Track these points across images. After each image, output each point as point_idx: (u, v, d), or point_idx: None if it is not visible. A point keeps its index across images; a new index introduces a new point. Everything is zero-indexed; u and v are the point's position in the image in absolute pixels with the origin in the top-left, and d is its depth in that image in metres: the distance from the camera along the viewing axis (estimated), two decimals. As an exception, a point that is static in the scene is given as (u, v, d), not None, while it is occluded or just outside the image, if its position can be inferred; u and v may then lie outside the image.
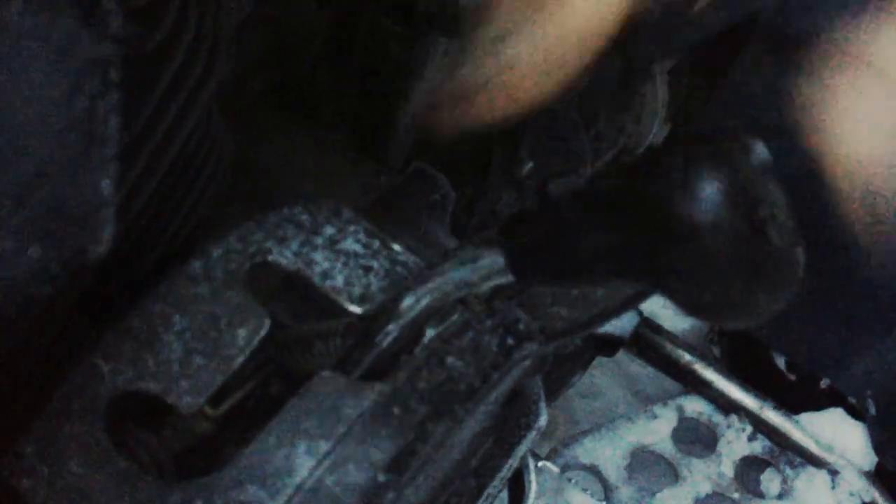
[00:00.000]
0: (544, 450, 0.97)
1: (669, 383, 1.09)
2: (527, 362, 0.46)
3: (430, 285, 0.39)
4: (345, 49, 0.68)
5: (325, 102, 0.69)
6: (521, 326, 0.44)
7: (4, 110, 0.22)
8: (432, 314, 0.40)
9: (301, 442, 0.36)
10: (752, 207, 0.30)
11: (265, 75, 0.65)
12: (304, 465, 0.36)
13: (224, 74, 0.43)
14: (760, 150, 0.31)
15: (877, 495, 0.95)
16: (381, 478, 0.36)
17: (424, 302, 0.39)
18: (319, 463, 0.36)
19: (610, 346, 1.04)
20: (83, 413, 0.36)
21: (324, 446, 0.36)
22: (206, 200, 0.45)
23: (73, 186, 0.22)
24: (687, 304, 0.33)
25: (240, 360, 0.37)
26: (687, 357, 1.02)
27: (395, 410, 0.37)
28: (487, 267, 0.37)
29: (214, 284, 0.39)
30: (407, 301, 0.39)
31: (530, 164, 0.75)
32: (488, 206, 0.76)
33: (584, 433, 1.00)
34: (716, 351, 1.23)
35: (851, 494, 0.95)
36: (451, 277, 0.38)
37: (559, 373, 0.95)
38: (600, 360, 1.25)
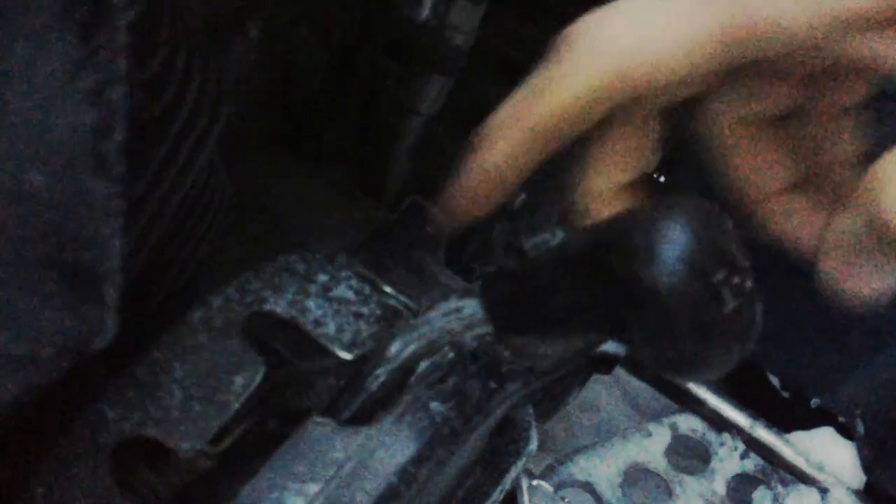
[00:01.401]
0: (540, 466, 0.99)
1: (668, 399, 1.11)
2: (511, 401, 0.49)
3: (416, 333, 0.41)
4: (343, 86, 0.71)
5: (324, 139, 0.71)
6: (503, 369, 0.46)
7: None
8: (418, 359, 0.43)
9: (292, 484, 0.39)
10: (708, 271, 0.32)
11: (265, 114, 0.67)
12: (294, 506, 0.38)
13: (227, 121, 0.46)
14: (719, 214, 0.34)
15: (865, 513, 0.97)
16: (367, 520, 0.38)
17: (411, 349, 0.42)
18: (309, 504, 0.38)
19: (606, 363, 1.06)
20: (89, 457, 0.39)
21: (313, 488, 0.38)
22: (205, 244, 0.47)
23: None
24: (650, 362, 0.35)
25: (236, 405, 0.40)
26: (681, 375, 1.05)
27: (380, 454, 0.39)
28: (469, 317, 0.40)
29: (213, 333, 0.42)
30: (394, 347, 0.42)
31: (523, 196, 0.77)
32: (481, 237, 0.78)
33: (580, 451, 1.02)
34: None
35: (840, 512, 0.97)
36: (436, 326, 0.41)
37: (556, 391, 0.97)
38: (597, 375, 1.27)
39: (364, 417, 0.42)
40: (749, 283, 0.32)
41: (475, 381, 0.44)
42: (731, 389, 1.06)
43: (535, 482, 0.95)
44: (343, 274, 0.47)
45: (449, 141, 0.77)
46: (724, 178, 0.37)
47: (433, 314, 0.41)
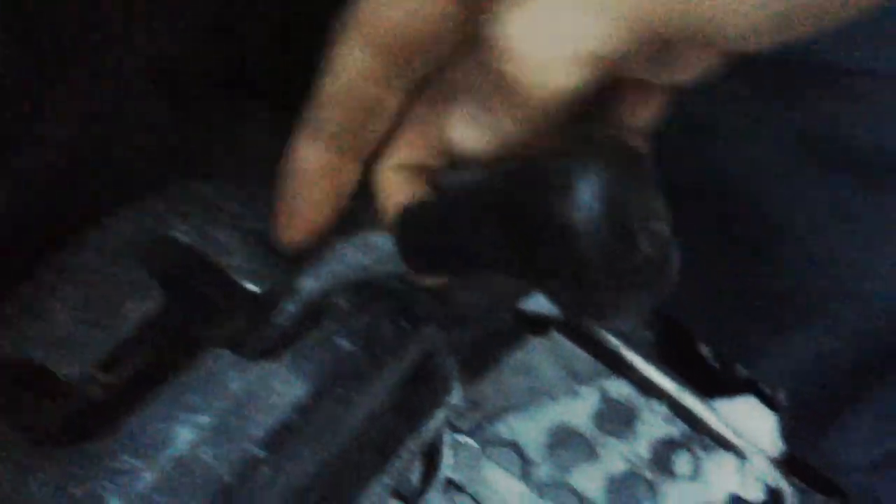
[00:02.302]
0: (468, 424, 0.99)
1: (601, 364, 1.12)
2: (427, 345, 0.48)
3: (327, 267, 0.40)
4: (296, 26, 0.68)
5: (273, 84, 0.69)
6: (417, 310, 0.45)
7: None
8: (330, 294, 0.41)
9: (183, 415, 0.37)
10: (625, 214, 0.31)
11: (210, 54, 0.65)
12: (183, 437, 0.36)
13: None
14: (640, 157, 0.32)
15: (782, 481, 0.99)
16: (259, 452, 0.37)
17: (320, 283, 0.40)
18: (199, 436, 0.36)
19: (540, 325, 1.06)
20: (-37, 378, 0.36)
21: (204, 420, 0.37)
22: (134, 176, 0.45)
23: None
24: (562, 305, 0.34)
25: (125, 331, 0.38)
26: (612, 339, 1.05)
27: (276, 387, 0.38)
28: (381, 252, 0.38)
29: (108, 256, 0.39)
30: (304, 281, 0.40)
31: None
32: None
33: (507, 410, 1.03)
34: (650, 336, 1.27)
35: (758, 479, 0.99)
36: (346, 260, 0.39)
37: (488, 350, 0.97)
38: (536, 339, 1.28)
39: (269, 353, 0.40)
40: (666, 232, 0.32)
41: (387, 321, 0.43)
42: (662, 356, 1.07)
43: (461, 439, 0.95)
44: (256, 205, 0.45)
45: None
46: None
47: (344, 247, 0.39)
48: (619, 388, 1.05)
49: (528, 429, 1.02)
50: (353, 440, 0.49)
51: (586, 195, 0.30)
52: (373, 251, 0.39)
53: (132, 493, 0.35)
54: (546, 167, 0.32)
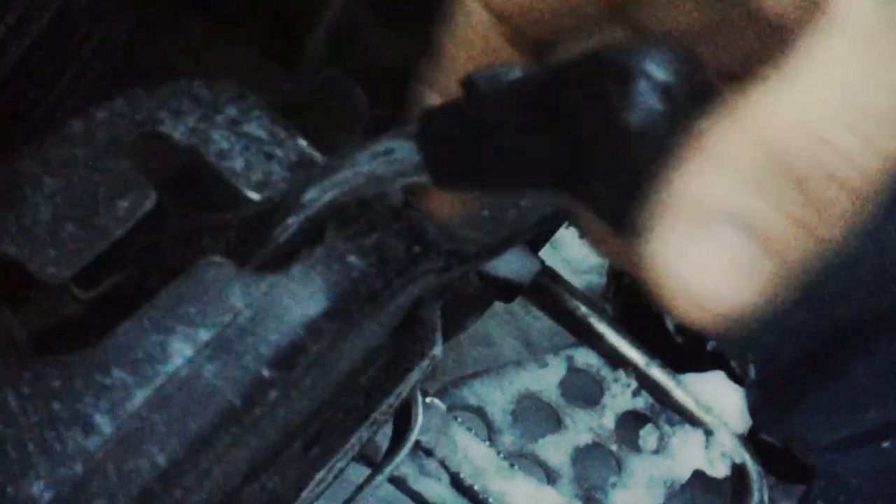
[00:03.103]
0: (432, 388, 0.96)
1: (561, 338, 1.10)
2: (430, 277, 0.44)
3: (338, 177, 0.35)
4: None
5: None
6: (428, 235, 0.41)
7: None
8: (337, 209, 0.37)
9: (179, 328, 0.33)
10: (692, 115, 0.28)
11: None
12: (180, 352, 0.32)
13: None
14: (699, 58, 0.29)
15: (747, 457, 0.98)
16: (266, 372, 0.33)
17: (330, 195, 0.36)
18: (198, 352, 0.32)
19: (509, 291, 1.03)
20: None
21: (204, 335, 0.33)
22: (87, 79, 0.40)
23: None
24: (608, 214, 0.31)
25: (118, 233, 0.33)
26: (583, 309, 1.03)
27: (288, 303, 0.34)
28: (402, 161, 0.34)
29: (96, 149, 0.35)
30: (310, 193, 0.36)
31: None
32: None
33: (474, 375, 1.00)
34: (609, 309, 1.25)
35: (724, 455, 0.98)
36: (361, 170, 0.35)
37: (455, 314, 0.94)
38: (494, 310, 1.25)
39: (270, 267, 0.36)
40: None
41: (399, 240, 0.39)
42: (630, 329, 1.06)
43: (429, 399, 0.92)
44: (255, 112, 0.40)
45: (377, 29, 0.71)
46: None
47: (360, 155, 0.35)
48: (587, 358, 1.03)
49: (494, 395, 0.99)
50: (350, 375, 0.45)
51: (650, 96, 0.27)
52: (391, 160, 0.34)
53: (122, 412, 0.31)
54: (600, 63, 0.28)
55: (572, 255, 1.47)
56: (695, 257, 0.22)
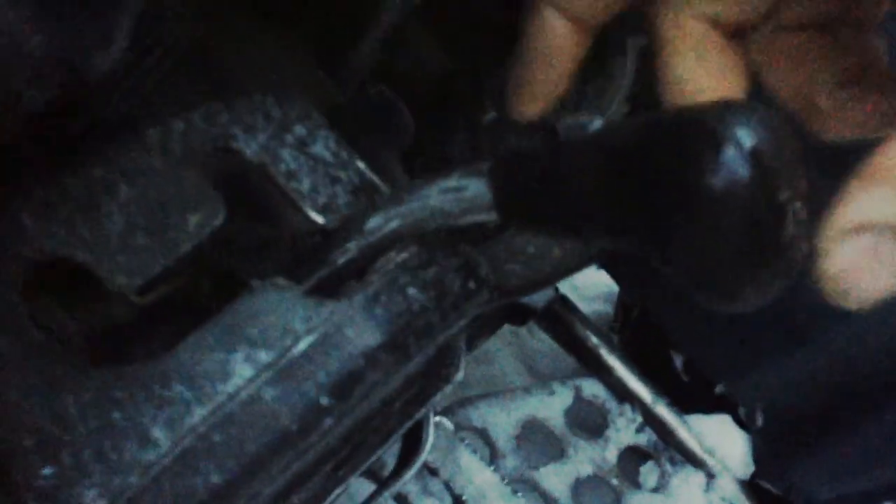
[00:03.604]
0: (439, 405, 0.96)
1: (564, 364, 1.10)
2: (478, 310, 0.44)
3: (404, 208, 0.36)
4: None
5: (292, 3, 0.65)
6: (482, 271, 0.42)
7: None
8: (398, 239, 0.37)
9: (241, 348, 0.33)
10: (777, 186, 0.28)
11: None
12: (241, 372, 0.32)
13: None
14: (789, 127, 0.30)
15: (746, 504, 0.98)
16: (324, 401, 0.33)
17: (393, 224, 0.36)
18: (259, 374, 0.32)
19: (521, 315, 1.03)
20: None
21: (265, 357, 0.33)
22: (155, 74, 0.40)
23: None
24: (682, 274, 0.31)
25: (186, 248, 0.34)
26: (593, 340, 1.03)
27: (349, 333, 0.34)
28: (472, 199, 0.34)
29: (171, 160, 0.35)
30: (374, 221, 0.36)
31: (493, 114, 0.72)
32: (439, 146, 0.73)
33: (481, 397, 1.00)
34: (615, 340, 1.25)
35: (723, 499, 0.98)
36: (430, 203, 0.35)
37: (469, 333, 0.94)
38: (499, 330, 1.25)
39: (325, 293, 0.36)
40: (806, 214, 0.29)
41: (456, 275, 0.39)
42: (637, 361, 1.06)
43: (437, 419, 0.92)
44: (321, 132, 0.41)
45: (424, 40, 0.71)
46: (772, 83, 0.35)
47: (430, 189, 0.35)
48: (595, 390, 1.03)
49: (499, 418, 0.99)
50: (387, 401, 0.45)
51: (736, 161, 0.27)
52: (461, 197, 0.35)
53: (181, 428, 0.31)
54: (692, 123, 0.29)
55: (581, 281, 1.47)
56: (858, 260, 0.28)
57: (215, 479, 0.30)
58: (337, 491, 0.50)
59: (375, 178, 0.42)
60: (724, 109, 0.28)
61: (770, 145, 0.28)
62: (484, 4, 0.69)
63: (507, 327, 1.46)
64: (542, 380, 1.12)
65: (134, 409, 0.31)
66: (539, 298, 1.02)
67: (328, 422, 0.33)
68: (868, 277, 0.28)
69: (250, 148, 0.37)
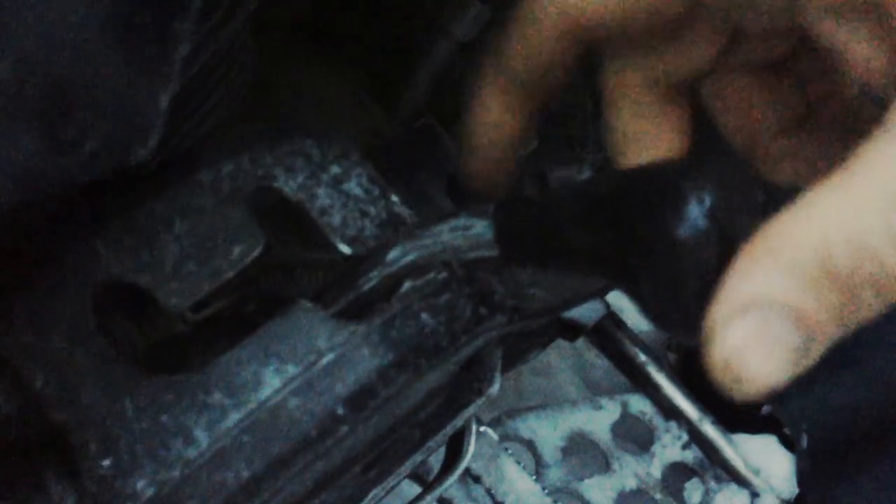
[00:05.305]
0: (487, 416, 1.00)
1: (620, 380, 1.13)
2: (494, 333, 0.49)
3: (419, 242, 0.40)
4: None
5: (351, 39, 0.70)
6: (496, 298, 0.46)
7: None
8: (415, 269, 0.42)
9: (272, 362, 0.38)
10: (732, 235, 0.31)
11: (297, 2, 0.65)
12: (270, 383, 0.38)
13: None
14: (752, 179, 0.33)
15: (790, 525, 0.99)
16: (340, 410, 0.38)
17: (410, 257, 0.41)
18: (285, 385, 0.38)
19: (572, 330, 1.07)
20: (76, 290, 0.38)
21: (292, 370, 0.38)
22: (218, 113, 0.46)
23: (136, 95, 0.24)
24: (652, 316, 0.35)
25: (229, 274, 0.39)
26: (642, 357, 1.06)
27: (365, 352, 0.39)
28: (477, 237, 0.39)
29: (219, 198, 0.41)
30: (394, 253, 0.41)
31: (534, 143, 0.76)
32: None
33: (529, 409, 1.03)
34: (671, 358, 1.27)
35: (766, 519, 0.99)
36: (441, 239, 0.40)
37: (518, 347, 0.98)
38: (559, 343, 1.28)
39: (349, 315, 0.41)
40: None
41: (467, 302, 0.44)
42: (688, 382, 1.07)
43: (482, 428, 0.96)
44: (356, 171, 0.46)
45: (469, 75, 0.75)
46: (724, 127, 0.36)
47: (441, 227, 0.40)
48: (642, 406, 1.05)
49: (546, 430, 1.02)
50: (409, 413, 0.50)
51: (696, 212, 0.31)
52: (468, 234, 0.39)
53: (218, 429, 0.36)
54: (657, 176, 0.32)
55: (641, 299, 1.49)
56: (746, 341, 0.26)
57: (245, 474, 0.36)
58: (375, 491, 0.55)
59: (404, 210, 0.47)
60: (688, 168, 0.32)
61: (727, 196, 0.32)
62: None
63: (566, 343, 1.49)
64: (598, 394, 1.14)
65: (180, 413, 0.36)
66: (590, 315, 1.05)
67: (344, 429, 0.38)
68: (759, 360, 0.25)
69: (289, 186, 0.43)
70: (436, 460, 0.85)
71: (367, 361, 0.39)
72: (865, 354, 0.89)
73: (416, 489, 0.82)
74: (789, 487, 1.02)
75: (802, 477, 1.01)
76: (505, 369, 0.85)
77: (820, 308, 0.25)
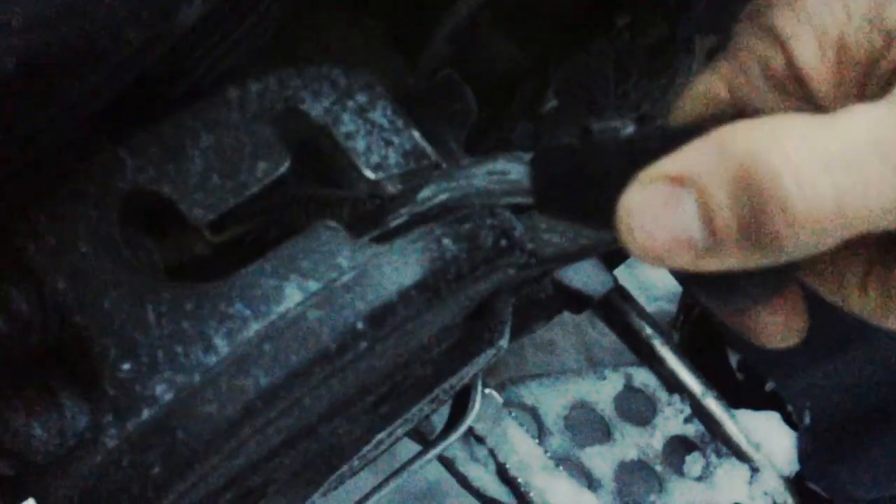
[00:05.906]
0: (492, 382, 1.00)
1: (623, 357, 1.13)
2: (510, 271, 0.49)
3: (453, 183, 0.39)
4: None
5: None
6: (516, 233, 0.46)
7: None
8: (444, 211, 0.41)
9: (293, 276, 0.38)
10: None
11: None
12: (291, 296, 0.38)
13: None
14: None
15: (790, 500, 0.99)
16: (360, 326, 0.38)
17: (442, 197, 0.39)
18: (306, 299, 0.38)
19: (579, 302, 1.07)
20: (100, 198, 0.38)
21: (313, 285, 0.38)
22: (247, 44, 0.46)
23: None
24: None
25: (254, 189, 0.39)
26: (648, 331, 1.06)
27: (385, 270, 0.39)
28: (513, 183, 0.37)
29: (246, 115, 0.41)
30: (426, 192, 0.39)
31: (554, 103, 0.76)
32: (502, 133, 0.77)
33: (533, 377, 1.04)
34: (675, 337, 1.27)
35: (766, 493, 1.00)
36: (476, 182, 0.38)
37: (524, 316, 0.98)
38: (562, 319, 1.28)
39: (377, 243, 0.41)
40: None
41: (489, 233, 0.44)
42: (693, 358, 1.08)
43: (487, 391, 0.96)
44: (381, 101, 0.46)
45: (495, 33, 0.75)
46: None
47: (477, 169, 0.39)
48: (645, 379, 1.06)
49: (549, 398, 1.03)
50: (424, 347, 0.50)
51: None
52: (504, 179, 0.38)
53: (238, 338, 0.36)
54: (707, 128, 0.32)
55: (647, 279, 1.49)
56: (654, 202, 0.29)
57: (263, 382, 0.36)
58: (381, 435, 0.56)
59: (427, 146, 0.46)
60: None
61: None
62: (555, 2, 0.73)
63: (570, 318, 1.49)
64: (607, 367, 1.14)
65: (201, 321, 0.37)
66: (598, 287, 1.05)
67: (363, 345, 0.38)
68: (653, 223, 0.28)
69: (315, 110, 0.42)
70: (439, 422, 0.86)
71: (388, 280, 0.39)
72: (866, 335, 0.89)
73: (417, 450, 0.83)
74: (790, 465, 1.02)
75: (804, 454, 1.01)
76: (511, 338, 0.85)
77: (730, 214, 0.27)
